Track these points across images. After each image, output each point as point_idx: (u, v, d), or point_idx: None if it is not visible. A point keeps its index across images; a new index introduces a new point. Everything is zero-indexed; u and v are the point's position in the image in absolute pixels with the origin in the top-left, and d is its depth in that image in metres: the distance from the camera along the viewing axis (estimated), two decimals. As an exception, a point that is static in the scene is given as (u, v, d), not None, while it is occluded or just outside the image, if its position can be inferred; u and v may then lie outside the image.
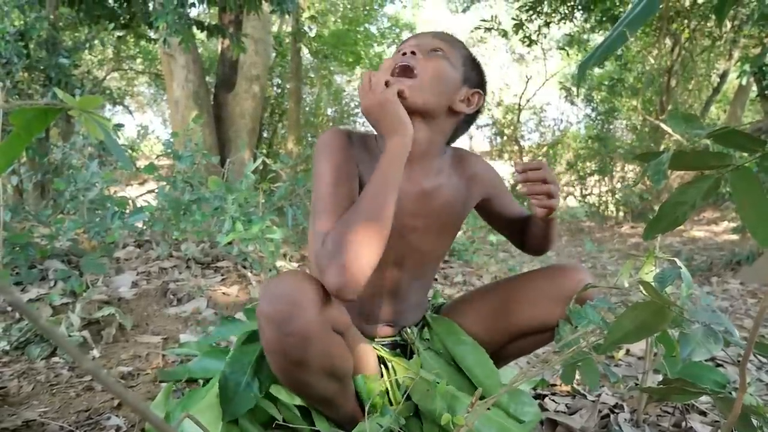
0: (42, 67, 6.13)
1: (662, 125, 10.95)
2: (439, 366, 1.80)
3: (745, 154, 0.96)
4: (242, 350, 1.76)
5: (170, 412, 1.74)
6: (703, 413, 2.14)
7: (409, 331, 1.90)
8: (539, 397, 2.29)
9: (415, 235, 1.77)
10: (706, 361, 2.77)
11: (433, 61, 1.63)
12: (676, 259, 1.87)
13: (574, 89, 16.57)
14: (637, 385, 2.35)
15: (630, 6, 0.86)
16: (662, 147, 12.29)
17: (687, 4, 11.30)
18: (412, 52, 1.62)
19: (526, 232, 1.92)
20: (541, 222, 1.79)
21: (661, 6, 11.34)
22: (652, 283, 1.28)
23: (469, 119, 1.80)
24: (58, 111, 0.83)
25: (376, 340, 1.87)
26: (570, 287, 1.71)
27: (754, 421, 1.19)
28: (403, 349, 1.90)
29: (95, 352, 2.49)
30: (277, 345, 1.38)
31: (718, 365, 2.71)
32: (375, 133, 1.70)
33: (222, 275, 3.63)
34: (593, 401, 2.22)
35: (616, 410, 2.14)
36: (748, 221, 0.97)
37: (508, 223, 1.96)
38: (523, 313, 1.78)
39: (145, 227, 4.23)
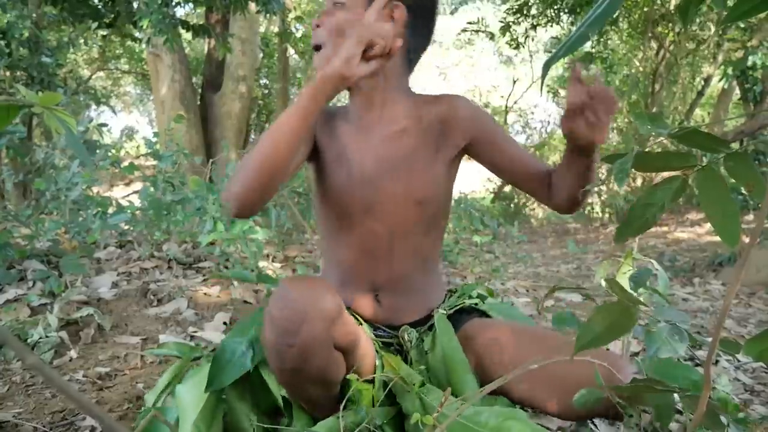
0: (24, 66, 6.10)
1: (647, 127, 11.00)
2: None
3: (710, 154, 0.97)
4: (249, 321, 1.73)
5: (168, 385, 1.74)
6: (679, 412, 2.15)
7: (406, 336, 1.79)
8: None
9: (382, 182, 1.71)
10: (685, 360, 2.77)
11: (329, 21, 1.65)
12: (652, 260, 1.88)
13: (561, 91, 16.62)
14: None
15: (593, 6, 0.87)
16: (647, 149, 12.31)
17: (672, 7, 11.35)
18: (317, 26, 1.67)
19: (553, 182, 1.75)
20: (580, 158, 1.59)
21: (645, 9, 11.38)
22: (627, 285, 1.29)
23: (415, 43, 1.73)
24: (18, 108, 0.83)
25: (375, 334, 1.79)
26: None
27: (723, 420, 1.20)
28: (398, 349, 1.82)
29: (73, 353, 2.47)
30: (275, 350, 1.38)
31: (697, 365, 2.72)
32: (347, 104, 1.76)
33: (204, 276, 3.62)
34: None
35: (593, 410, 2.15)
36: (714, 222, 0.98)
37: (520, 173, 1.80)
38: (529, 392, 1.58)
39: (127, 227, 4.21)
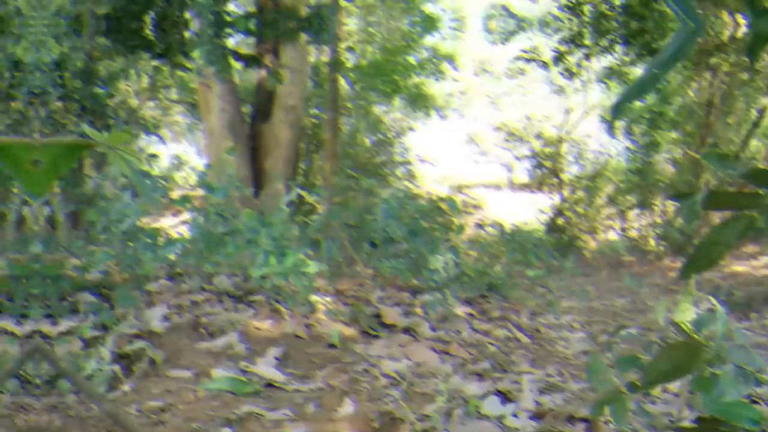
0: (77, 97, 6.18)
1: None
2: None
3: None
4: None
5: None
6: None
7: None
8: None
9: None
10: (742, 397, 2.69)
11: None
12: (711, 297, 1.82)
13: (614, 123, 16.52)
14: (672, 422, 2.29)
15: (667, 44, 0.85)
16: (703, 180, 12.15)
17: (725, 38, 11.21)
18: None
19: None
20: None
21: (700, 40, 11.30)
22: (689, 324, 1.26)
23: None
24: (84, 147, 0.82)
25: None
26: None
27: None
28: None
29: (126, 387, 2.47)
30: None
31: (754, 402, 2.63)
32: None
33: (255, 309, 3.60)
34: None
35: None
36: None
37: None
38: None
39: (178, 257, 4.22)
